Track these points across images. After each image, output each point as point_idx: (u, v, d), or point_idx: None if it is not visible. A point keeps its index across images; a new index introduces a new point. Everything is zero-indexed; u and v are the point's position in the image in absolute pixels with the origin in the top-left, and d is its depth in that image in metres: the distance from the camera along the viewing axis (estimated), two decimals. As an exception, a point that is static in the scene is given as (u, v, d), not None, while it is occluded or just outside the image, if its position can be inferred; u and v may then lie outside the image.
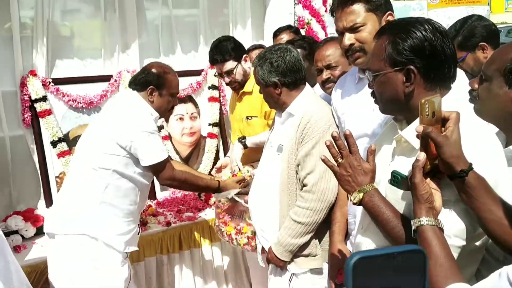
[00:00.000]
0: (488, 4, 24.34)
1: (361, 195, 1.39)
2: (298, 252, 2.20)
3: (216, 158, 3.92)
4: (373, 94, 1.51)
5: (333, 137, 1.44)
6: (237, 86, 3.16)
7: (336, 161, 1.44)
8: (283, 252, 2.19)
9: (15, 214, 3.15)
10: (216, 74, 3.29)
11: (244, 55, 3.13)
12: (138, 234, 2.68)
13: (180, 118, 3.84)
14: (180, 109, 3.83)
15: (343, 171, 1.43)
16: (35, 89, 3.22)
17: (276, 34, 3.64)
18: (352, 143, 1.43)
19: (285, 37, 3.51)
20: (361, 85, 1.98)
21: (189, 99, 3.90)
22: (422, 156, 1.21)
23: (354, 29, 1.88)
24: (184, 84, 3.82)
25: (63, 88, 3.37)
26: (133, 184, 2.49)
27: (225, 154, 3.97)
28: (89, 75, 3.55)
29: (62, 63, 3.47)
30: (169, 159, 2.56)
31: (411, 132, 1.35)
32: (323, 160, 1.49)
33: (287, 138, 2.23)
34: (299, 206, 2.16)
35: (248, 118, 3.11)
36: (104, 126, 2.49)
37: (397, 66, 1.37)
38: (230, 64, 3.06)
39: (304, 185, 2.17)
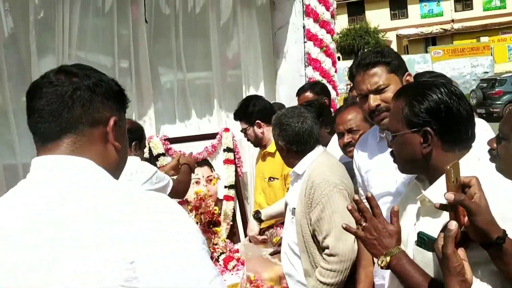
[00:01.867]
0: (491, 55, 24.89)
1: (388, 258, 1.37)
2: None
3: (233, 220, 3.88)
4: (392, 153, 1.53)
5: (355, 201, 1.43)
6: (254, 144, 3.29)
7: (360, 225, 1.43)
8: None
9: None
10: None
11: (256, 121, 3.14)
12: None
13: (196, 182, 3.84)
14: (196, 172, 3.85)
15: (368, 235, 1.42)
16: (54, 159, 3.26)
17: (299, 93, 3.64)
18: (375, 206, 1.42)
19: (309, 95, 3.52)
20: (382, 144, 1.98)
21: (204, 162, 3.92)
22: (454, 225, 1.15)
23: (378, 91, 1.91)
24: (200, 148, 3.86)
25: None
26: None
27: (242, 216, 3.95)
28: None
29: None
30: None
31: (434, 192, 1.34)
32: (345, 228, 1.47)
33: (298, 201, 2.26)
34: (323, 268, 2.17)
35: (270, 180, 3.13)
36: None
37: (414, 128, 1.39)
38: (242, 124, 3.22)
39: (325, 248, 2.18)
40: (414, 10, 30.44)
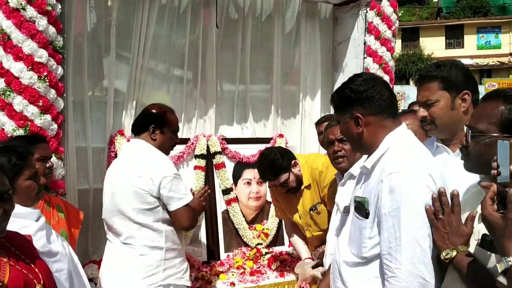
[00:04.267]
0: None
1: (454, 253, 1.47)
2: None
3: (280, 223, 4.00)
4: (464, 149, 1.57)
5: (440, 192, 1.54)
6: (294, 190, 3.12)
7: (436, 215, 1.53)
8: None
9: (91, 263, 3.33)
10: (270, 185, 3.21)
11: (293, 162, 3.06)
12: None
13: (248, 183, 4.01)
14: (248, 173, 4.02)
15: (441, 227, 1.52)
16: (121, 146, 3.52)
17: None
18: (456, 204, 1.52)
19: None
20: (437, 152, 2.08)
21: (257, 164, 4.08)
22: None
23: (427, 104, 2.04)
24: (253, 150, 4.03)
25: (146, 147, 3.64)
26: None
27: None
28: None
29: (147, 126, 3.78)
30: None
31: None
32: (426, 210, 1.58)
33: None
34: None
35: (313, 210, 3.11)
36: (132, 183, 2.50)
37: (509, 134, 1.41)
38: (283, 177, 3.02)
39: None
40: (470, 40, 29.79)
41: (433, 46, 28.34)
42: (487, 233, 1.42)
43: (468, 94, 2.01)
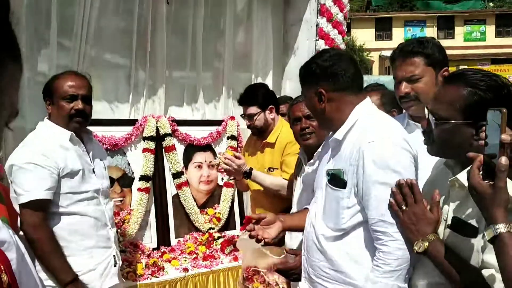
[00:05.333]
0: None
1: (426, 244, 1.45)
2: None
3: (232, 207, 3.93)
4: (426, 134, 1.54)
5: (399, 184, 1.53)
6: (255, 132, 3.20)
7: (400, 208, 1.52)
8: None
9: (31, 253, 3.08)
10: (242, 114, 3.29)
11: (270, 106, 3.14)
12: (115, 266, 2.49)
13: (199, 166, 3.89)
14: (199, 157, 3.90)
15: (406, 219, 1.51)
16: (63, 128, 3.26)
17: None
18: (416, 192, 1.51)
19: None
20: (409, 130, 2.06)
21: (208, 147, 3.97)
22: (504, 160, 1.19)
23: (412, 80, 2.03)
24: (204, 133, 3.91)
25: (91, 129, 3.40)
26: (74, 216, 2.34)
27: (239, 204, 3.99)
28: (116, 118, 3.61)
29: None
30: (39, 202, 2.22)
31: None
32: (390, 204, 1.57)
33: None
34: None
35: (270, 170, 3.12)
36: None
37: (471, 119, 1.39)
38: (253, 109, 3.10)
39: None
40: (398, 33, 31.08)
41: (364, 37, 29.32)
42: (456, 215, 1.44)
43: (447, 71, 2.05)
